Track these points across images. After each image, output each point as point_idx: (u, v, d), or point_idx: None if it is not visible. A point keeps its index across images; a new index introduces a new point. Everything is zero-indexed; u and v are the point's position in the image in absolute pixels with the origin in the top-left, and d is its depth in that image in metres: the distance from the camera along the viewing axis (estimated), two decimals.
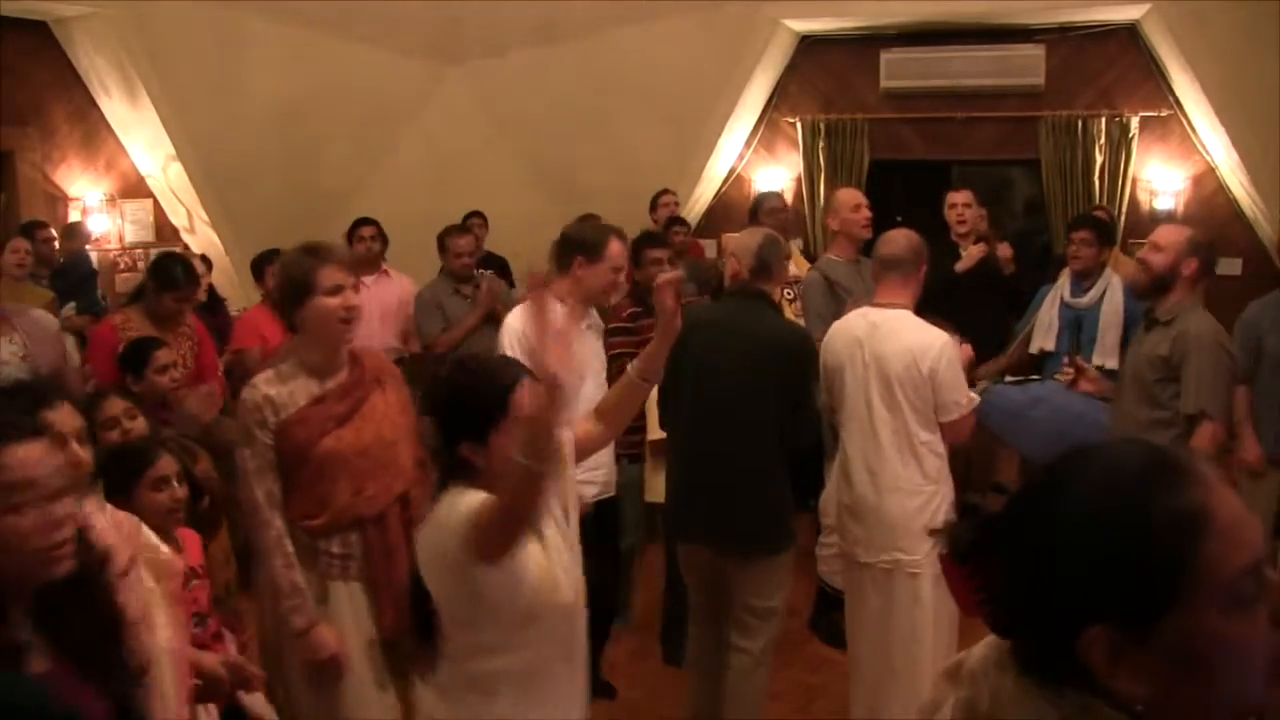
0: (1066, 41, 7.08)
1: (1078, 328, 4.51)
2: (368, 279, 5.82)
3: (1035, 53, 7.07)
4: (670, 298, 2.33)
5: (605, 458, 3.48)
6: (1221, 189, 6.95)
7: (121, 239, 7.35)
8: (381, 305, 5.78)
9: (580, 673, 2.22)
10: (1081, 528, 0.93)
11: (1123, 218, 6.94)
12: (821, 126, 7.67)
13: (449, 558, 1.95)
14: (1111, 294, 4.49)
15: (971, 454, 4.48)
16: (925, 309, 3.37)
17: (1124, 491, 0.93)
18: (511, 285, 6.16)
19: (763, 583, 3.32)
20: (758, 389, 3.25)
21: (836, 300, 4.34)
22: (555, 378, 1.73)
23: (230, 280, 7.04)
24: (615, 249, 3.38)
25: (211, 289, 5.97)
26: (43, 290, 5.37)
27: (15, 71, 6.54)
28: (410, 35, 7.33)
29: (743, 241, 3.48)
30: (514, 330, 3.34)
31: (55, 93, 6.95)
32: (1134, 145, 6.98)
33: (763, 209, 5.17)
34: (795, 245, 6.38)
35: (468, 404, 2.04)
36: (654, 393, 3.02)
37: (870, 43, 7.45)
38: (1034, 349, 4.66)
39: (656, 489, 4.02)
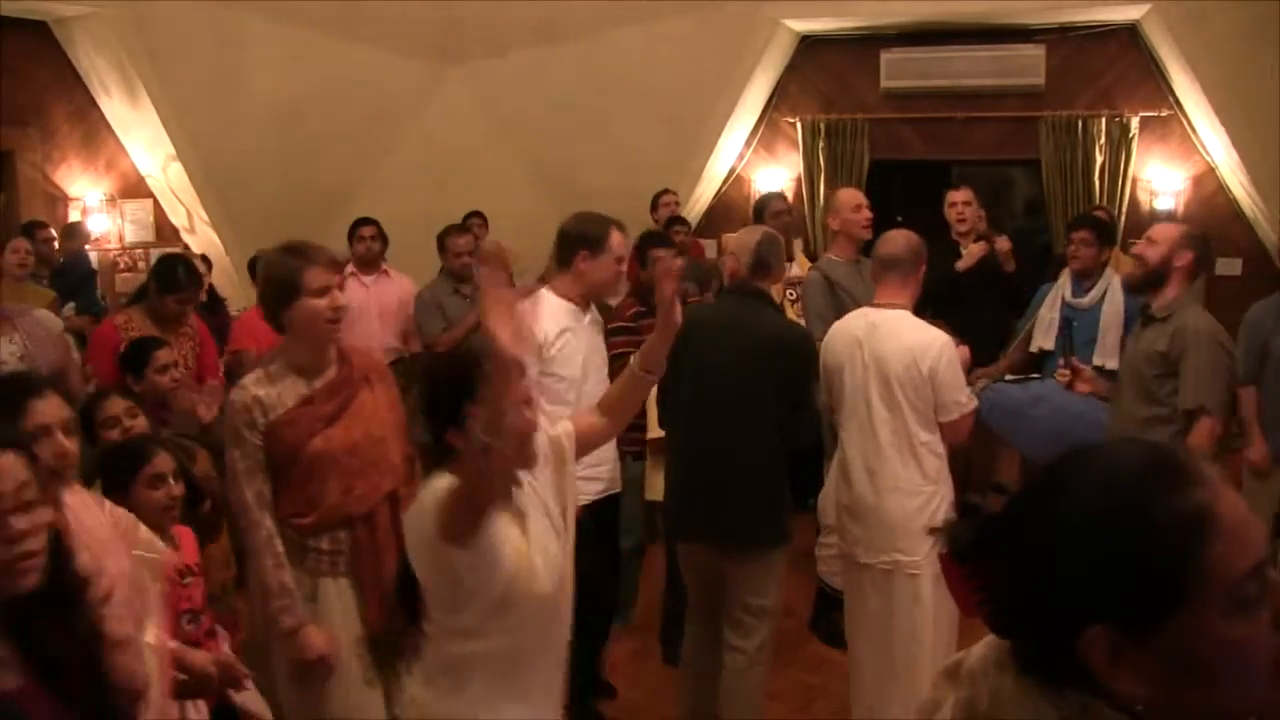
0: (1066, 41, 7.08)
1: (1072, 328, 4.50)
2: (368, 279, 5.83)
3: (1035, 53, 7.07)
4: (670, 287, 2.33)
5: (609, 454, 3.48)
6: (1221, 189, 6.95)
7: (121, 239, 7.36)
8: (381, 305, 5.78)
9: (559, 668, 2.20)
10: (1082, 528, 0.93)
11: (1123, 218, 6.94)
12: (821, 126, 7.67)
13: (426, 540, 1.97)
14: (1112, 294, 4.48)
15: (972, 454, 4.48)
16: (927, 307, 3.37)
17: (1125, 492, 0.93)
18: (512, 285, 6.15)
19: (758, 581, 3.33)
20: (757, 387, 3.25)
21: (837, 300, 4.34)
22: (508, 354, 1.72)
23: (230, 280, 7.05)
24: (617, 240, 3.37)
25: (211, 289, 5.98)
26: (45, 290, 5.37)
27: (15, 71, 6.55)
28: (410, 35, 7.33)
29: (741, 240, 3.48)
30: None
31: (55, 93, 6.96)
32: (1134, 145, 6.98)
33: (768, 211, 5.16)
34: (797, 245, 6.37)
35: (445, 390, 2.05)
36: (654, 391, 3.02)
37: (870, 43, 7.45)
38: (1034, 348, 4.65)
39: (656, 487, 4.03)
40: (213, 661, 2.23)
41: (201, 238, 7.47)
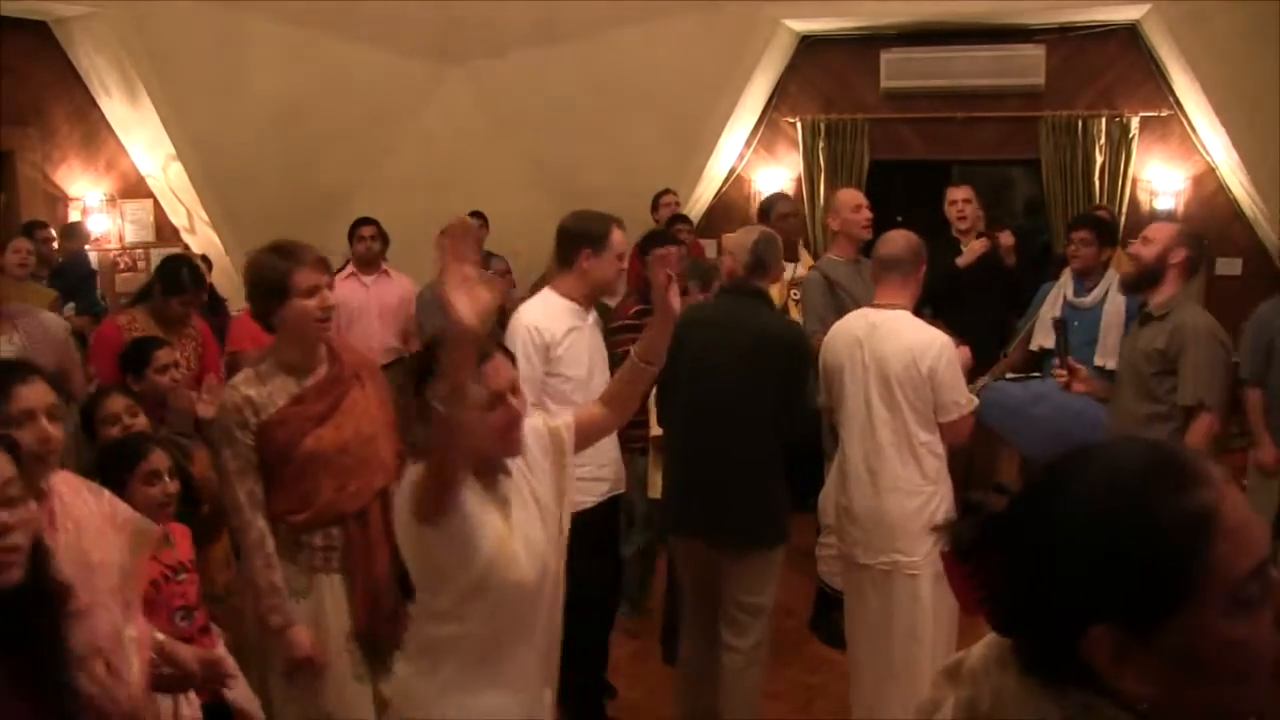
0: (1067, 41, 7.08)
1: (1069, 329, 4.50)
2: (368, 279, 5.83)
3: (1035, 53, 7.06)
4: (664, 274, 2.33)
5: (614, 453, 3.48)
6: (1221, 189, 6.95)
7: (121, 239, 7.35)
8: (381, 305, 5.79)
9: (542, 660, 2.19)
10: (1085, 528, 0.93)
11: (1123, 218, 6.94)
12: (821, 126, 7.67)
13: (404, 521, 2.01)
14: (1114, 294, 4.48)
15: (973, 454, 4.47)
16: (928, 305, 3.37)
17: (1127, 491, 0.93)
18: (513, 285, 6.16)
19: (754, 579, 3.33)
20: (755, 387, 3.26)
21: (836, 300, 4.34)
22: (464, 323, 1.72)
23: (230, 280, 7.03)
24: (618, 237, 3.38)
25: (212, 289, 5.97)
26: (47, 290, 5.37)
27: (15, 71, 6.55)
28: (410, 35, 7.33)
29: (738, 240, 3.48)
30: (524, 326, 3.32)
31: (55, 93, 6.95)
32: (1134, 145, 6.98)
33: (774, 212, 5.15)
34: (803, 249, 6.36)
35: (417, 372, 2.09)
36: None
37: (870, 43, 7.44)
38: (1034, 346, 4.66)
39: (657, 485, 4.02)
40: (198, 659, 2.23)
41: (201, 238, 7.46)
